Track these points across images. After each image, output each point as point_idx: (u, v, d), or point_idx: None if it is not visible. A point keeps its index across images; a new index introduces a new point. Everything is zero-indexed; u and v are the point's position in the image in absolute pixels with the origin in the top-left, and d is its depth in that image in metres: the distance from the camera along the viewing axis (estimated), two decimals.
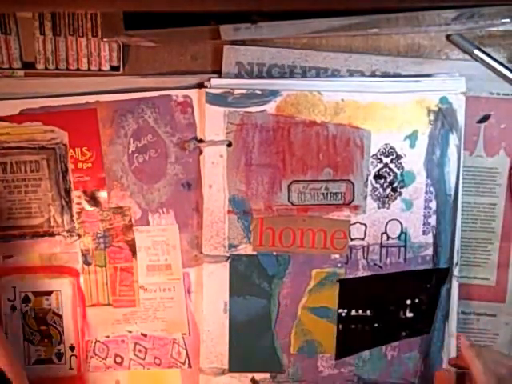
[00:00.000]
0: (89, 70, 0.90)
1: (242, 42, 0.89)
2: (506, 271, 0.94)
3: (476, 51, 0.89)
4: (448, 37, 0.90)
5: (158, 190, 0.91)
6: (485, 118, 0.91)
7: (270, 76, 0.90)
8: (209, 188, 0.89)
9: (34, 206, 0.91)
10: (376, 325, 0.91)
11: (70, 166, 0.90)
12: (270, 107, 0.88)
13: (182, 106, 0.89)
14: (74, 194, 0.91)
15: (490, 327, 0.95)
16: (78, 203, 0.91)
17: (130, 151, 0.90)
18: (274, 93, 0.88)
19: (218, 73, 0.90)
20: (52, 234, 0.92)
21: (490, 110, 0.91)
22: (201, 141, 0.89)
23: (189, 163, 0.90)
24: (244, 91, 0.87)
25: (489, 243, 0.93)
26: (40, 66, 0.89)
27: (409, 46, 0.91)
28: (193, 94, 0.89)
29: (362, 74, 0.90)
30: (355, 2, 0.79)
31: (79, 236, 0.92)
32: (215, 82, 0.88)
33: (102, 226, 0.92)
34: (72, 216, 0.91)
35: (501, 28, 0.89)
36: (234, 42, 0.89)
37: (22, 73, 0.90)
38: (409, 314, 0.91)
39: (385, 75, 0.90)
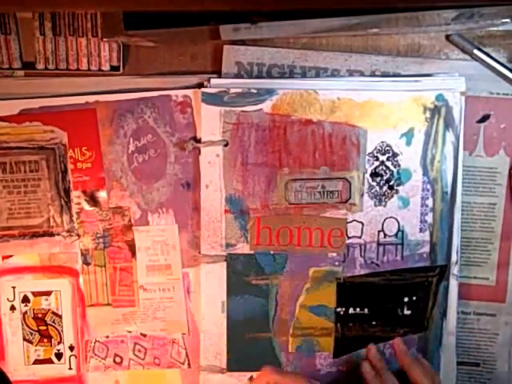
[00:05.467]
0: (89, 69, 0.90)
1: (242, 42, 0.90)
2: (505, 271, 0.94)
3: (476, 51, 0.89)
4: (448, 37, 0.90)
5: (157, 190, 0.91)
6: (485, 118, 0.91)
7: (270, 76, 0.90)
8: (206, 188, 0.90)
9: (33, 206, 0.92)
10: (374, 322, 0.91)
11: (70, 166, 0.91)
12: (266, 106, 0.88)
13: (182, 106, 0.90)
14: (74, 194, 0.92)
15: (490, 327, 0.95)
16: (78, 203, 0.92)
17: (129, 151, 0.91)
18: (270, 92, 0.88)
19: (218, 73, 0.91)
20: (51, 234, 0.92)
21: (489, 109, 0.91)
22: (199, 141, 0.89)
23: (188, 163, 0.91)
24: (240, 90, 0.88)
25: (489, 243, 0.93)
26: (40, 66, 0.90)
27: (409, 46, 0.91)
28: (192, 93, 0.89)
29: (362, 74, 0.90)
30: (355, 1, 0.80)
31: (79, 236, 0.92)
32: (214, 81, 0.89)
33: (101, 226, 0.92)
34: (71, 216, 0.92)
35: (501, 28, 0.89)
36: (233, 42, 0.89)
37: (22, 73, 0.91)
38: (406, 312, 0.91)
39: (384, 75, 0.90)
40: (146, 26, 0.85)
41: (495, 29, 0.89)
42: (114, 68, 0.91)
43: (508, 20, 0.85)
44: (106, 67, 0.90)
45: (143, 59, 0.92)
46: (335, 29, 0.84)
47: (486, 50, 0.89)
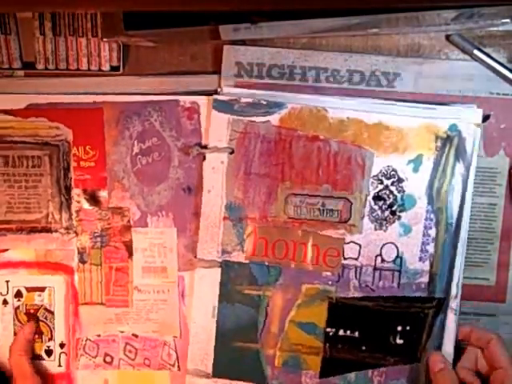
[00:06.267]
0: (89, 69, 0.90)
1: (242, 42, 0.89)
2: (506, 271, 0.93)
3: (476, 51, 0.88)
4: (448, 37, 0.89)
5: (158, 193, 0.91)
6: (485, 118, 0.89)
7: (270, 76, 0.90)
8: (207, 193, 0.89)
9: (33, 201, 0.92)
10: (364, 347, 0.90)
11: (73, 164, 0.91)
12: (274, 118, 0.87)
13: (189, 112, 0.89)
14: (74, 191, 0.91)
15: (490, 327, 0.93)
16: (78, 201, 0.91)
17: (133, 153, 0.91)
18: (279, 104, 0.87)
19: (218, 73, 0.90)
20: (49, 231, 0.92)
21: (489, 109, 0.90)
22: (204, 147, 0.89)
23: (191, 168, 0.90)
24: (250, 100, 0.87)
25: (489, 243, 0.92)
26: (40, 66, 0.90)
27: (409, 46, 0.90)
28: (201, 100, 0.89)
29: (362, 74, 0.90)
30: (355, 1, 0.79)
31: (76, 234, 0.92)
32: (226, 89, 0.89)
33: (99, 225, 0.92)
34: (71, 214, 0.92)
35: (501, 28, 0.88)
36: (234, 42, 0.89)
37: (21, 73, 0.91)
38: (399, 341, 0.90)
39: (385, 73, 0.89)
40: (146, 26, 0.84)
41: (495, 29, 0.88)
42: (113, 68, 0.90)
43: (508, 20, 0.83)
44: (105, 67, 0.90)
45: (143, 59, 0.92)
46: (335, 29, 0.83)
47: (485, 50, 0.88)
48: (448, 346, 0.89)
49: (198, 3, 0.76)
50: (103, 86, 0.90)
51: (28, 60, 0.91)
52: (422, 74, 0.90)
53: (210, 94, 0.89)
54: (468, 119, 0.86)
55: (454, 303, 0.89)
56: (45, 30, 0.89)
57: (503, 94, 0.90)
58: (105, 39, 0.88)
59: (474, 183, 0.89)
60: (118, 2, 0.79)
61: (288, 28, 0.84)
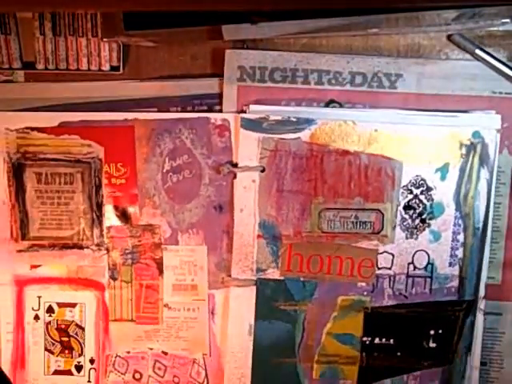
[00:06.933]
0: (89, 70, 0.90)
1: (243, 44, 0.90)
2: (511, 270, 0.94)
3: (478, 51, 0.89)
4: (449, 37, 0.90)
5: (189, 211, 0.92)
6: None
7: (272, 79, 0.91)
8: (240, 212, 0.90)
9: (65, 217, 0.92)
10: (399, 353, 0.92)
11: (104, 181, 0.91)
12: (305, 135, 0.89)
13: (220, 130, 0.90)
14: (106, 208, 0.92)
15: (497, 326, 0.95)
16: (109, 218, 0.92)
17: (164, 170, 0.91)
18: (309, 121, 0.89)
19: (219, 75, 0.91)
20: (81, 247, 0.92)
21: (492, 108, 0.91)
22: (235, 165, 0.90)
23: (222, 186, 0.91)
24: (279, 118, 0.89)
25: (494, 242, 0.93)
26: (40, 66, 0.90)
27: (409, 46, 0.91)
28: (231, 117, 0.90)
29: (364, 76, 0.91)
30: (355, 1, 0.79)
31: (107, 250, 0.92)
32: (254, 108, 0.90)
33: (130, 242, 0.92)
34: (102, 230, 0.92)
35: (501, 28, 0.90)
36: (234, 43, 0.90)
37: (22, 73, 0.91)
38: (432, 344, 0.92)
39: (387, 74, 0.91)
40: (146, 26, 0.85)
41: (495, 29, 0.90)
42: (113, 68, 0.91)
43: (508, 20, 0.85)
44: (105, 67, 0.91)
45: (143, 59, 0.92)
46: (335, 28, 0.85)
47: (486, 49, 0.90)
48: (477, 346, 0.92)
49: (198, 3, 0.77)
50: (103, 90, 0.91)
51: (28, 60, 0.91)
52: (424, 74, 0.91)
53: (213, 98, 0.91)
54: (489, 125, 0.90)
55: (481, 304, 0.92)
56: (45, 29, 0.89)
57: (506, 93, 0.91)
58: (105, 39, 0.88)
59: None
60: (118, 1, 0.79)
61: (289, 27, 0.85)
